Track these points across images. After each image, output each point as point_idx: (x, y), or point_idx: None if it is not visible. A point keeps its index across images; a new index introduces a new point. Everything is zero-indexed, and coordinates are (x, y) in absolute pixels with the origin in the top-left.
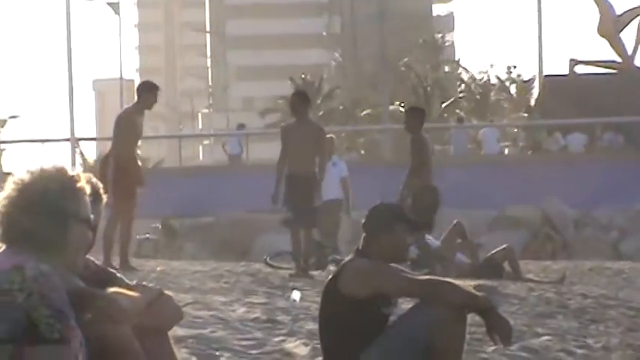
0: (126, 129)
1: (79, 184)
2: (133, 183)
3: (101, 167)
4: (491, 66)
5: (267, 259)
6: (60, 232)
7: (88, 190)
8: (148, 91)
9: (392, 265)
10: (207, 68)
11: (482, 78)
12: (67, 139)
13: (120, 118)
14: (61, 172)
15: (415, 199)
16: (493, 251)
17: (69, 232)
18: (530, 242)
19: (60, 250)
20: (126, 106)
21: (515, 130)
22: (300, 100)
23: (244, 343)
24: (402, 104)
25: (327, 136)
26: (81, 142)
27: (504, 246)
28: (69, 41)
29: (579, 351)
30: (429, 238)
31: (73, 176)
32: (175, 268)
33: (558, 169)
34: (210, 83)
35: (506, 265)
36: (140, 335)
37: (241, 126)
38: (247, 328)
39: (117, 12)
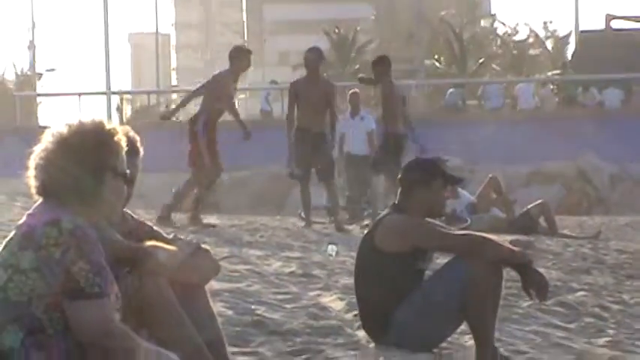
0: (216, 91)
1: (116, 138)
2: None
3: (190, 126)
4: (526, 24)
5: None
6: (96, 185)
7: (124, 143)
8: (238, 55)
9: (428, 219)
10: (243, 22)
11: (519, 32)
12: (104, 93)
13: (212, 81)
14: (98, 126)
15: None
16: (529, 206)
17: (105, 186)
18: (565, 197)
19: (96, 204)
20: (221, 70)
21: (551, 86)
22: (314, 56)
23: (280, 297)
24: (438, 59)
25: (352, 90)
26: (117, 95)
27: (540, 201)
28: None
29: (615, 306)
30: (465, 193)
31: (110, 130)
32: (217, 221)
33: (594, 125)
34: (245, 38)
35: (541, 221)
36: (177, 288)
37: (273, 82)
38: (283, 282)
39: None
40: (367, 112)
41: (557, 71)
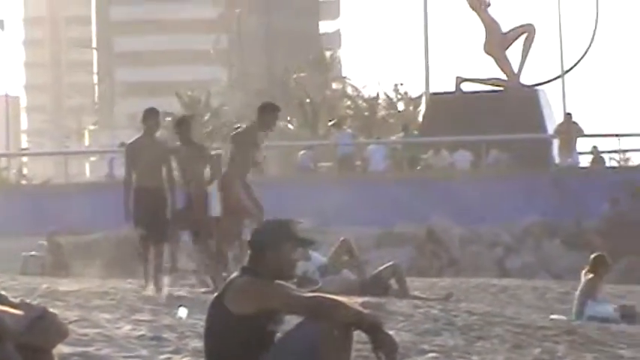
0: (246, 148)
1: None
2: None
3: (224, 186)
4: (378, 84)
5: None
6: None
7: None
8: (265, 112)
9: (278, 282)
10: (94, 85)
11: (370, 95)
12: None
13: (239, 138)
14: None
15: None
16: (380, 268)
17: None
18: (416, 259)
19: None
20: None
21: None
22: (148, 115)
23: None
24: (290, 120)
25: (215, 152)
26: None
27: (391, 263)
28: None
29: None
30: (316, 255)
31: None
32: (61, 285)
33: (445, 187)
34: (96, 100)
35: (393, 282)
36: (24, 353)
37: (122, 144)
38: (133, 346)
39: (2, 28)
40: None
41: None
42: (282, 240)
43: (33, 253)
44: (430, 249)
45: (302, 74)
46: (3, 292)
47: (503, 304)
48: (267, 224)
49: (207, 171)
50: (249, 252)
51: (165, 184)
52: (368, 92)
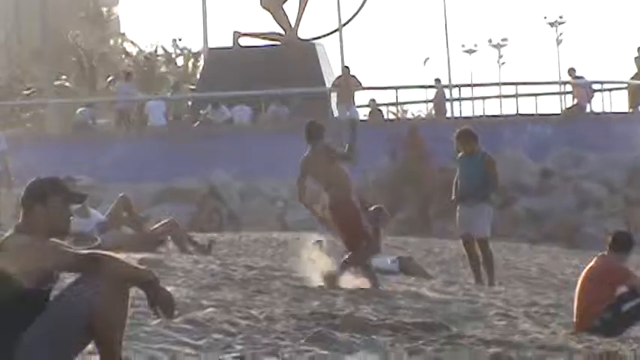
0: None
1: None
2: None
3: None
4: (155, 42)
5: None
6: None
7: None
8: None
9: (52, 239)
10: None
11: (149, 50)
12: None
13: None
14: None
15: None
16: (156, 225)
17: None
18: (197, 214)
19: None
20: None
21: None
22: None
23: None
24: (67, 78)
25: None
26: None
27: (167, 220)
28: None
29: (243, 322)
30: (95, 212)
31: None
32: None
33: (224, 142)
34: None
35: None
36: None
37: None
38: None
39: None
40: None
41: (192, 87)
42: (51, 194)
43: None
44: (210, 204)
45: (78, 31)
46: None
47: (282, 259)
48: (36, 180)
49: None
50: (21, 210)
51: None
52: (147, 48)
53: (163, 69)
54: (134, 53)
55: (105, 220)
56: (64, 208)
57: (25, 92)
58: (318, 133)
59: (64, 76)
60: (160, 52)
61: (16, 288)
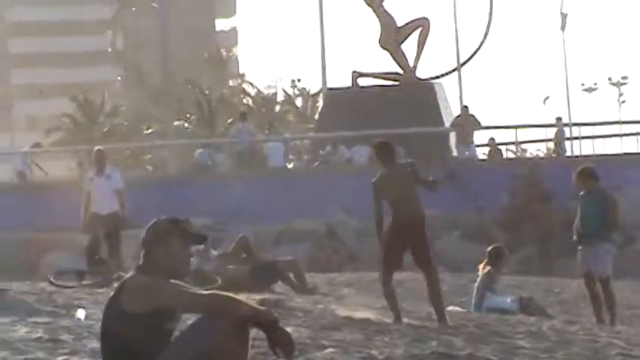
0: None
1: None
2: None
3: None
4: (272, 81)
5: (51, 278)
6: None
7: None
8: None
9: (172, 280)
10: None
11: (269, 92)
12: None
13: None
14: None
15: None
16: (279, 258)
17: None
18: (316, 254)
19: None
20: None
21: (300, 142)
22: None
23: None
24: (188, 119)
25: (97, 148)
26: None
27: (290, 258)
28: None
29: None
30: (214, 252)
31: None
32: None
33: (343, 182)
34: None
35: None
36: None
37: (37, 145)
38: (29, 349)
39: None
40: (114, 171)
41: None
42: (171, 236)
43: None
44: (330, 244)
45: (196, 73)
46: None
47: (401, 298)
48: (157, 221)
49: None
50: (142, 251)
51: None
52: (266, 89)
53: (282, 109)
54: (253, 94)
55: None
56: (184, 249)
57: (146, 132)
58: (394, 153)
59: (187, 116)
60: (280, 93)
61: (138, 328)
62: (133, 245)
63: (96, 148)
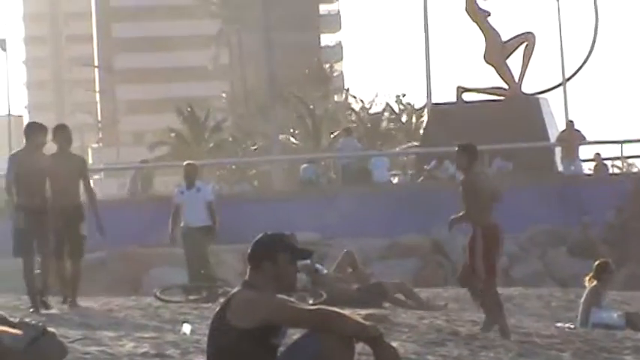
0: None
1: None
2: None
3: None
4: (376, 95)
5: (157, 293)
6: None
7: None
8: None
9: (279, 295)
10: (97, 103)
11: (372, 107)
12: None
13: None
14: None
15: None
16: (386, 280)
17: None
18: (421, 269)
19: None
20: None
21: (405, 158)
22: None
23: None
24: (293, 134)
25: (186, 162)
26: None
27: (398, 281)
28: None
29: None
30: (321, 268)
31: None
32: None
33: (448, 197)
34: (99, 118)
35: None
36: None
37: (144, 161)
38: None
39: (4, 48)
40: (204, 184)
41: (415, 143)
42: (278, 251)
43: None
44: (435, 259)
45: (300, 88)
46: (1, 312)
47: (508, 313)
48: (262, 237)
49: None
50: (248, 266)
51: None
52: (371, 104)
53: (387, 125)
54: (357, 109)
55: (329, 274)
56: (291, 264)
57: (252, 148)
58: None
59: (292, 131)
60: (385, 108)
61: (244, 343)
62: (237, 260)
63: (186, 162)
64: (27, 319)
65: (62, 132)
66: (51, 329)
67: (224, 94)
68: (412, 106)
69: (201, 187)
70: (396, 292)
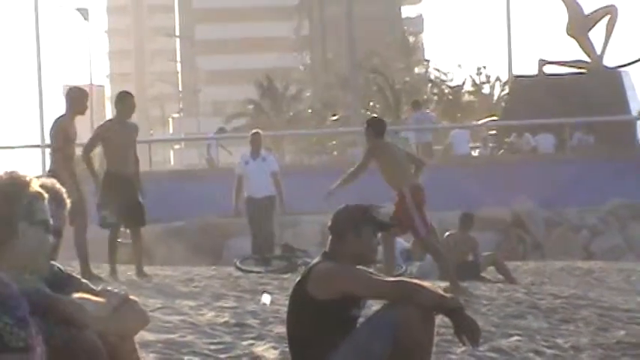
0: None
1: (30, 188)
2: None
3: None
4: (459, 66)
5: (237, 263)
6: (8, 234)
7: (46, 194)
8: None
9: (359, 267)
10: (177, 73)
11: (452, 79)
12: (38, 146)
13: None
14: (11, 177)
15: None
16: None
17: (20, 236)
18: (501, 243)
19: (10, 254)
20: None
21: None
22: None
23: (213, 347)
24: (373, 106)
25: (253, 131)
26: None
27: (490, 253)
28: (38, 47)
29: (549, 351)
30: (400, 240)
31: (24, 180)
32: (146, 272)
33: (528, 170)
34: (180, 88)
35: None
36: (106, 340)
37: (221, 129)
38: (216, 332)
39: (86, 18)
40: (269, 153)
41: (493, 118)
42: (362, 224)
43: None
44: (515, 233)
45: (381, 60)
46: (84, 280)
47: (588, 287)
48: (346, 209)
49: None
50: (329, 237)
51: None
52: (451, 77)
53: (468, 97)
54: (438, 81)
55: (409, 247)
56: (372, 237)
57: (332, 118)
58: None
59: (371, 104)
60: (468, 81)
61: (324, 314)
62: (315, 231)
63: (253, 131)
64: (109, 287)
65: (126, 100)
66: (133, 297)
67: (302, 67)
68: (497, 78)
69: (266, 157)
70: (488, 265)
